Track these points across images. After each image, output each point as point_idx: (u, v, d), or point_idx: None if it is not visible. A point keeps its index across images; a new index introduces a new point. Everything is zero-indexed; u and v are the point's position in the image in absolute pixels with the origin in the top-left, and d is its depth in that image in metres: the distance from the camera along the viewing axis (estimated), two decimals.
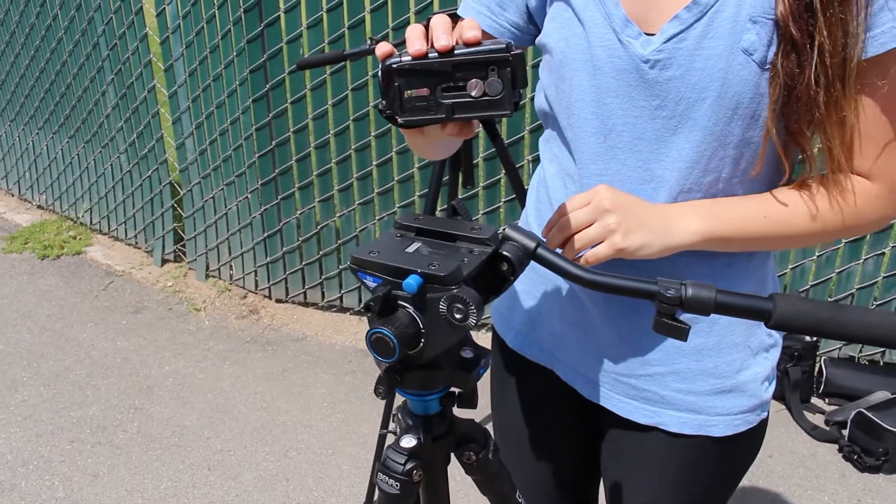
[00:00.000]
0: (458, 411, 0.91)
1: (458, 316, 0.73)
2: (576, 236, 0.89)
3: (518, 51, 0.71)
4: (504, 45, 0.71)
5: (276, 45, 3.00)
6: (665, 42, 0.87)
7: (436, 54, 0.72)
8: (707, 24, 0.85)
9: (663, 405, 1.04)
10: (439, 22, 0.74)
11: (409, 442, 0.89)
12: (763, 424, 1.08)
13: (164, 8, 3.24)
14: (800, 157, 0.92)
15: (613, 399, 1.08)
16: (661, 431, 1.05)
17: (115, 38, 3.51)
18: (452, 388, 0.88)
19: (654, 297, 0.77)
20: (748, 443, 1.07)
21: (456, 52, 0.72)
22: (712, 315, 0.98)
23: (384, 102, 0.76)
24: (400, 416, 0.92)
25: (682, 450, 1.05)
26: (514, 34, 1.03)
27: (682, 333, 0.77)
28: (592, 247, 0.88)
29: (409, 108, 0.74)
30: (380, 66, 0.75)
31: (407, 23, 2.80)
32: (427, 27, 0.75)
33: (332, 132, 3.09)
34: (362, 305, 0.79)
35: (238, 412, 2.83)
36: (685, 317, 0.92)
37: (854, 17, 0.81)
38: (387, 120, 0.77)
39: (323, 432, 2.72)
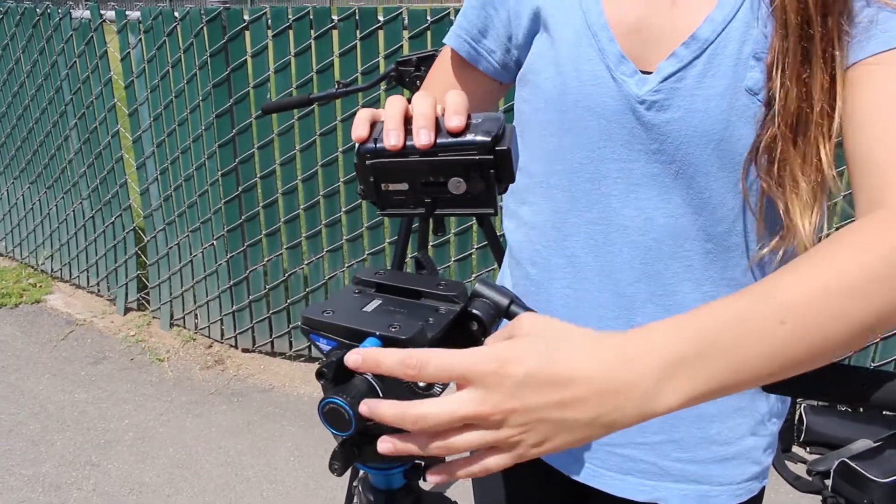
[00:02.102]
0: (424, 484, 0.83)
1: (421, 384, 0.65)
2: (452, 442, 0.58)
3: (503, 147, 0.66)
4: (490, 139, 0.65)
5: (243, 90, 2.95)
6: (662, 81, 0.80)
7: (413, 145, 0.67)
8: (707, 62, 0.78)
9: (662, 478, 0.95)
10: (421, 112, 0.66)
11: None
12: (762, 492, 1.01)
13: (129, 52, 3.19)
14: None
15: (605, 477, 0.98)
16: None
17: (78, 83, 3.44)
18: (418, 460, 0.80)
19: None
20: None
21: (438, 142, 0.66)
22: None
23: (362, 188, 0.71)
24: (361, 490, 0.83)
25: None
26: (492, 65, 0.97)
27: None
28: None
29: (388, 201, 0.71)
30: (356, 149, 0.69)
31: (376, 67, 2.76)
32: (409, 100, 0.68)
33: (299, 178, 3.03)
34: (315, 372, 0.73)
35: (200, 468, 2.71)
36: None
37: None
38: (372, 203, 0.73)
39: (289, 488, 2.60)
